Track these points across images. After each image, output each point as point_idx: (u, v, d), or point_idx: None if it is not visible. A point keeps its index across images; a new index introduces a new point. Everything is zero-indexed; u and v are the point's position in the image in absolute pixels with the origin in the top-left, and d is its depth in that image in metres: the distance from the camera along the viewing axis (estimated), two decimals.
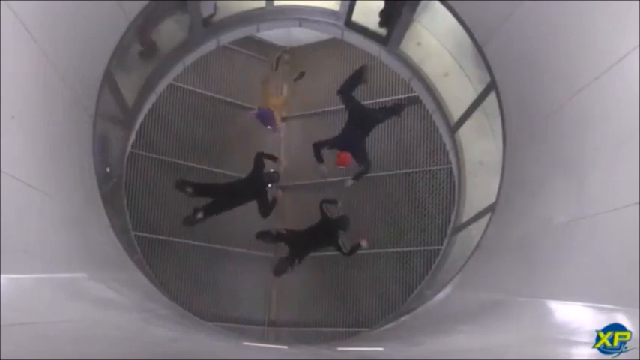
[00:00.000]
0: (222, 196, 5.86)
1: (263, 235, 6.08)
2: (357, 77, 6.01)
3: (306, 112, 7.26)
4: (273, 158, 6.07)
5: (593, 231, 2.65)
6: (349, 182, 6.15)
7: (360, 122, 5.81)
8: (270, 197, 5.91)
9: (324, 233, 5.93)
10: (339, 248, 5.85)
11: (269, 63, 7.63)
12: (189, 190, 5.76)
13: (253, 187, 5.85)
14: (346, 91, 5.91)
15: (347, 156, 5.70)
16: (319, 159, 5.88)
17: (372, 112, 6.09)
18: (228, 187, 5.99)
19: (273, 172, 5.91)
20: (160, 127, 6.83)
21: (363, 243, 5.94)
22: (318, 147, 5.83)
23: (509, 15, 3.63)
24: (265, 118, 6.15)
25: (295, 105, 7.49)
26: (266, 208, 5.85)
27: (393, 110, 6.16)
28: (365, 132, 5.87)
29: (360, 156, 5.78)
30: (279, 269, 6.00)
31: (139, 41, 5.49)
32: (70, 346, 2.12)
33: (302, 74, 6.61)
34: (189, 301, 6.35)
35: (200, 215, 5.71)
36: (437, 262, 6.49)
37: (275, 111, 6.23)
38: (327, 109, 7.40)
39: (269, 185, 5.89)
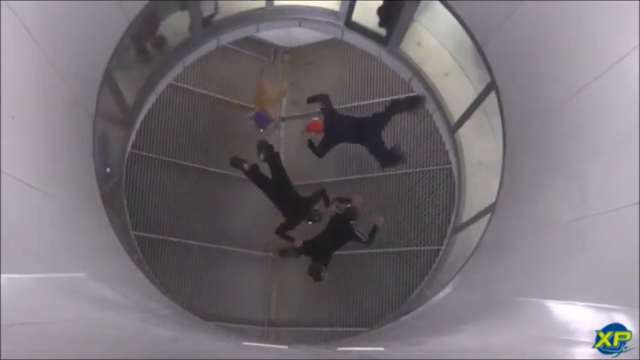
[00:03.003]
0: (272, 190, 5.86)
1: (287, 253, 6.07)
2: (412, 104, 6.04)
3: (306, 112, 7.24)
4: (327, 202, 5.95)
5: (593, 231, 2.65)
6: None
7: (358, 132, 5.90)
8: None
9: (337, 230, 5.89)
10: (358, 239, 5.80)
11: (269, 61, 7.64)
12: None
13: (297, 209, 5.82)
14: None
15: (318, 124, 5.76)
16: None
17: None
18: (278, 188, 5.93)
19: (316, 211, 5.80)
20: (160, 127, 6.83)
21: (379, 222, 5.82)
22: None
23: (509, 15, 3.63)
24: (261, 120, 6.12)
25: (295, 105, 7.50)
26: (285, 230, 5.83)
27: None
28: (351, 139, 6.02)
29: (326, 146, 5.91)
30: (316, 277, 5.93)
31: (143, 41, 5.49)
32: (70, 346, 2.12)
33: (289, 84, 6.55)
34: (189, 301, 6.35)
35: (247, 166, 5.79)
36: (437, 262, 6.48)
37: (270, 107, 6.19)
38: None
39: (309, 222, 5.81)
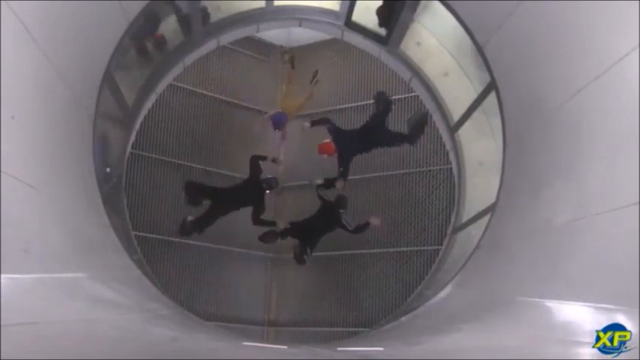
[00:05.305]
0: (219, 201, 5.70)
1: (266, 237, 5.93)
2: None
3: (305, 112, 7.26)
4: (264, 158, 5.83)
5: (593, 231, 2.65)
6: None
7: (368, 139, 5.90)
8: (266, 204, 5.75)
9: (326, 217, 5.93)
10: (344, 228, 5.85)
11: (276, 63, 7.65)
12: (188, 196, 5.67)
13: (251, 192, 5.69)
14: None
15: (330, 145, 5.75)
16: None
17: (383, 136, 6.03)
18: (226, 192, 5.81)
19: (272, 178, 5.75)
20: (160, 127, 6.83)
21: (375, 222, 5.87)
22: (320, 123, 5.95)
23: (509, 15, 3.63)
24: (279, 121, 6.02)
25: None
26: (258, 215, 5.68)
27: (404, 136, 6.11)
28: (364, 148, 5.98)
29: (344, 162, 5.88)
30: (299, 258, 5.96)
31: (143, 41, 5.50)
32: (70, 346, 2.12)
33: (316, 73, 6.47)
34: (189, 301, 6.36)
35: (190, 218, 5.59)
36: (437, 262, 6.48)
37: (291, 114, 6.16)
38: (327, 109, 7.39)
39: (267, 191, 5.72)
